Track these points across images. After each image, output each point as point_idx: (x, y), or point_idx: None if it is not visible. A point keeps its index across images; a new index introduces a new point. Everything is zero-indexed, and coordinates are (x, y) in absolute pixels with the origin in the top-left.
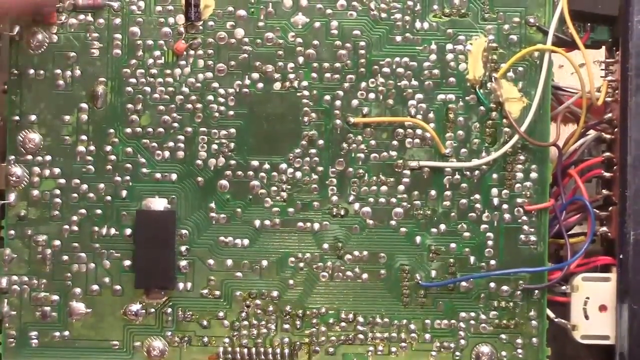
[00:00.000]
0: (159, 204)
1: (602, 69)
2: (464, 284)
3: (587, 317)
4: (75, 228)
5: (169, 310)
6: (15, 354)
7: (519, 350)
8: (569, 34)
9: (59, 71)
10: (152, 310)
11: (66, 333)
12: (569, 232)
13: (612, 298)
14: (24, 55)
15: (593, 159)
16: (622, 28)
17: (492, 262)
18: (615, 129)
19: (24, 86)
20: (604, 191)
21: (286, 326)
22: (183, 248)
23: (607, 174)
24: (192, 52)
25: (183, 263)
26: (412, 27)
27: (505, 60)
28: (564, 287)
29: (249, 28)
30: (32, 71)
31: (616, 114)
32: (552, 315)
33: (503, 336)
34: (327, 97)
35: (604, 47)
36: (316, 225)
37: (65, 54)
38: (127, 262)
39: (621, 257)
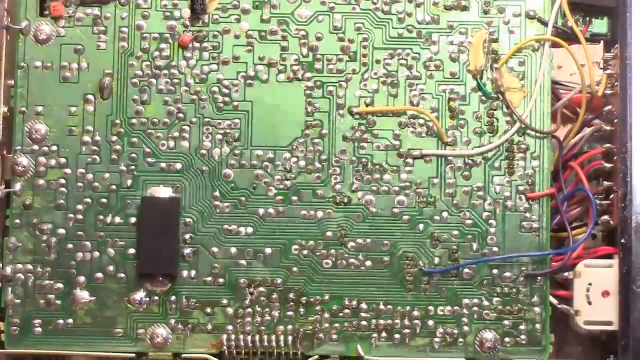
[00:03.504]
0: (163, 192)
1: (600, 68)
2: (466, 270)
3: (589, 303)
4: (80, 217)
5: (173, 297)
6: (19, 342)
7: (522, 337)
8: (569, 27)
9: (66, 63)
10: (156, 297)
11: (70, 321)
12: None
13: (614, 284)
14: (32, 48)
15: (593, 150)
16: (620, 18)
17: (495, 249)
18: (615, 120)
19: (32, 78)
20: (605, 182)
21: (289, 313)
22: (187, 236)
23: (607, 165)
24: (197, 44)
25: (187, 251)
26: (415, 19)
27: (506, 51)
28: (566, 274)
29: (254, 20)
30: (39, 63)
31: (615, 106)
32: (554, 301)
33: (506, 322)
34: (331, 88)
35: (602, 42)
36: (319, 213)
37: (72, 47)
38: (132, 251)
39: (623, 241)
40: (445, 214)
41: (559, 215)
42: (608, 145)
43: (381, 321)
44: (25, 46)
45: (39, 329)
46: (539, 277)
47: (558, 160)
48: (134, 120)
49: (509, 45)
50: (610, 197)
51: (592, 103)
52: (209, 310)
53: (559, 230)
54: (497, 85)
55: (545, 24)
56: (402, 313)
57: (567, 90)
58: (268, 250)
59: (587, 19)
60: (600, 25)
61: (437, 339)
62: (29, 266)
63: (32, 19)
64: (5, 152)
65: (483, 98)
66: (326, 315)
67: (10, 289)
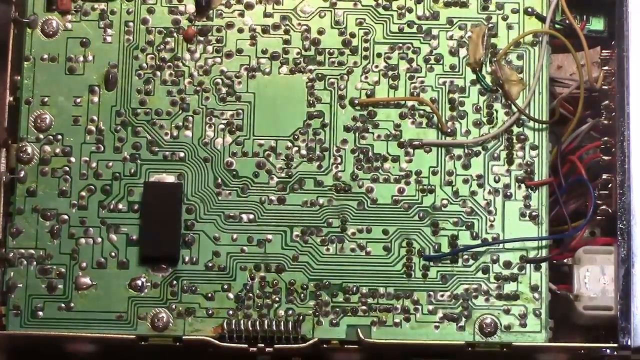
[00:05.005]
0: (167, 180)
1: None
2: (466, 256)
3: (589, 289)
4: (84, 203)
5: (174, 282)
6: (21, 326)
7: (522, 322)
8: (567, 24)
9: (72, 56)
10: (158, 282)
11: (72, 305)
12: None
13: (613, 269)
14: (39, 41)
15: (592, 144)
16: (617, 11)
17: (495, 236)
18: (613, 113)
19: (38, 70)
20: (605, 175)
21: (290, 298)
22: (189, 222)
23: (605, 157)
24: (201, 38)
25: (189, 236)
26: (415, 13)
27: (505, 45)
28: (565, 260)
29: (257, 15)
30: (46, 56)
31: (612, 100)
32: (553, 287)
33: (506, 307)
34: (332, 80)
35: (599, 47)
36: (321, 200)
37: (78, 40)
38: (134, 237)
39: (621, 226)
40: (445, 201)
41: (558, 206)
42: (606, 138)
43: (381, 306)
44: (33, 39)
45: (41, 313)
46: (539, 264)
47: (557, 154)
48: (138, 111)
49: (507, 41)
50: (609, 186)
51: (592, 93)
52: (210, 295)
53: (558, 224)
54: (496, 78)
55: (543, 20)
56: (402, 298)
57: (566, 86)
58: (269, 236)
59: (585, 16)
60: (597, 23)
61: (436, 324)
62: (32, 251)
63: (39, 13)
64: (10, 141)
65: (483, 90)
66: (327, 299)
67: (12, 273)
